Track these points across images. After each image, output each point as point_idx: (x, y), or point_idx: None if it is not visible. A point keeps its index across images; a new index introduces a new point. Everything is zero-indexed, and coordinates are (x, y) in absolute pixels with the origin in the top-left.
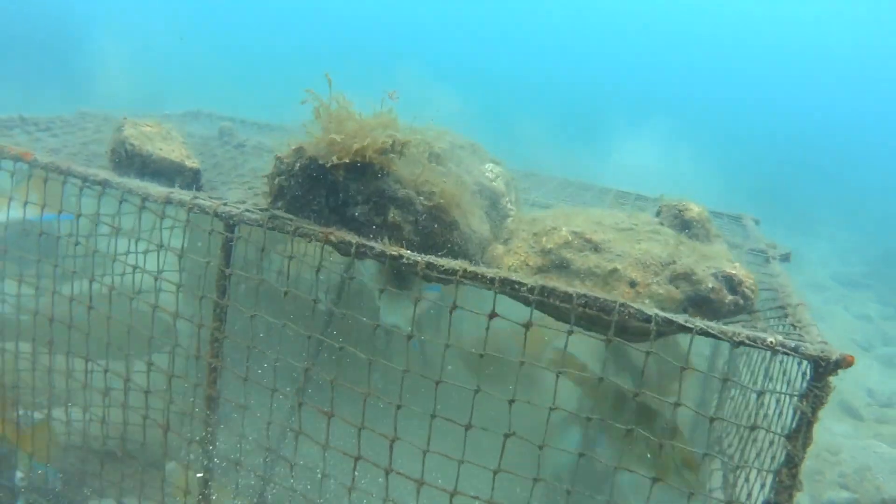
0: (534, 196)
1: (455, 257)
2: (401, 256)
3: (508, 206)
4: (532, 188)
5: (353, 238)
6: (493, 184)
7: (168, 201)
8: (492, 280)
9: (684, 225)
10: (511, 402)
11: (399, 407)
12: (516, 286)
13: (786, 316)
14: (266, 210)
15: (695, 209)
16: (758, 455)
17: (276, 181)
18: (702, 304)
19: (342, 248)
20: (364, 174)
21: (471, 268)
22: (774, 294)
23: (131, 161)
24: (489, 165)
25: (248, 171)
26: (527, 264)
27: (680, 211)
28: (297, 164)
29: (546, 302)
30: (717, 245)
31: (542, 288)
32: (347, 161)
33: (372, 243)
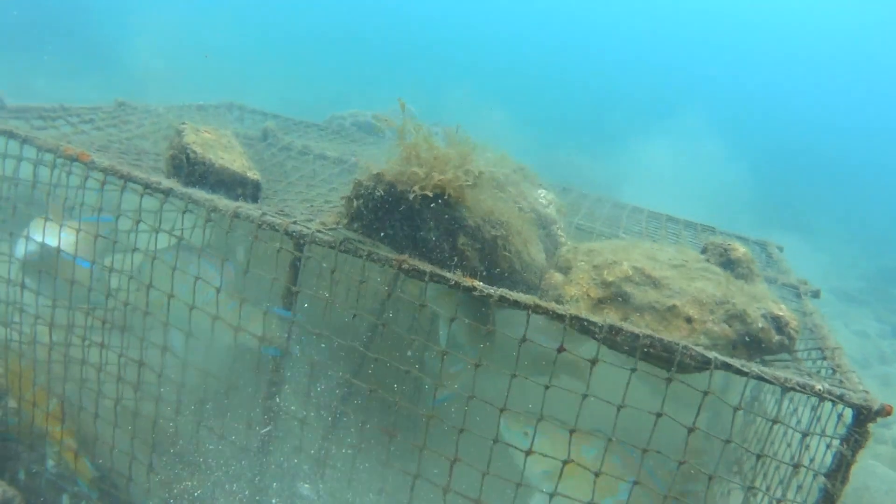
0: (576, 220)
1: (515, 284)
2: (474, 288)
3: (559, 233)
4: (568, 208)
5: (426, 266)
6: (547, 210)
7: (235, 215)
8: (562, 316)
9: (729, 264)
10: (572, 432)
11: (461, 430)
12: (586, 324)
13: (823, 358)
14: (333, 228)
15: (740, 250)
16: (782, 482)
17: (355, 204)
18: (751, 342)
19: (414, 273)
20: (438, 202)
21: (543, 303)
22: (810, 333)
23: (192, 169)
24: (542, 192)
25: (300, 178)
26: (588, 295)
27: (726, 250)
28: (377, 190)
29: (609, 338)
30: (760, 285)
31: (611, 327)
32: (429, 194)
33: (446, 273)
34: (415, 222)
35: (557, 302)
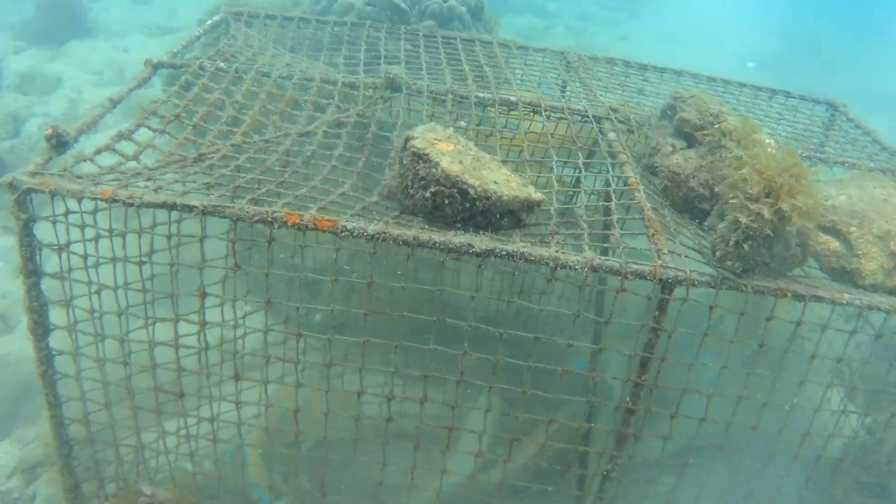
0: None
1: (799, 263)
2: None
3: None
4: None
5: (804, 290)
6: None
7: (592, 269)
8: None
9: None
10: None
11: None
12: None
13: None
14: (668, 263)
15: None
16: None
17: (746, 247)
18: None
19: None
20: None
21: None
22: None
23: (468, 205)
24: (767, 139)
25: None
26: (882, 267)
27: None
28: (764, 229)
29: None
30: None
31: None
32: (809, 224)
33: (821, 293)
34: (772, 243)
35: (851, 273)
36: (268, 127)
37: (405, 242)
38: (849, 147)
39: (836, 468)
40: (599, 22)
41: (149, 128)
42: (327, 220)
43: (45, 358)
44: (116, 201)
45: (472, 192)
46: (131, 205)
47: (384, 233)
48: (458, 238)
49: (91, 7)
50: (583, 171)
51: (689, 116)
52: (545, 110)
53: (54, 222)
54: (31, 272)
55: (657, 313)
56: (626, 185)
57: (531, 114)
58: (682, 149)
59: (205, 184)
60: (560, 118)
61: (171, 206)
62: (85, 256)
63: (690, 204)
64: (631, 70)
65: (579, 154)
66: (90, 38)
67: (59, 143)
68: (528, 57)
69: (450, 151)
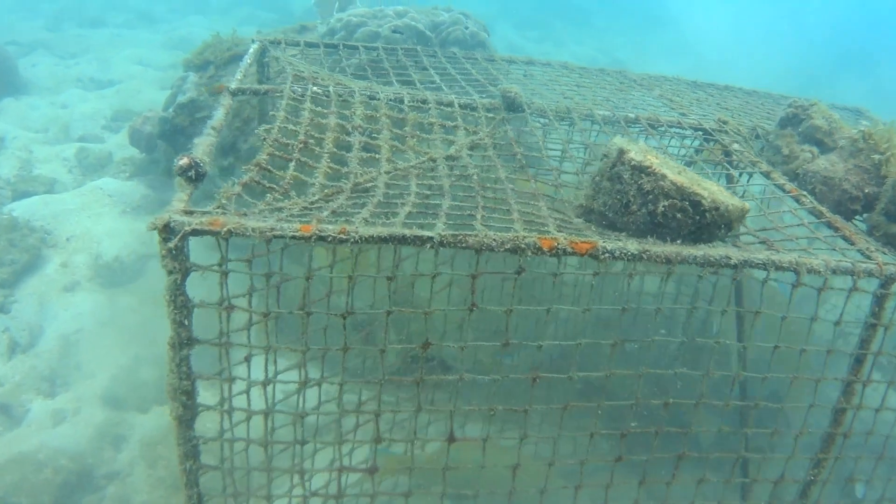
0: None
1: None
2: None
3: None
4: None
5: None
6: None
7: (833, 271)
8: None
9: None
10: None
11: None
12: None
13: None
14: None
15: None
16: None
17: None
18: None
19: None
20: None
21: None
22: None
23: (699, 219)
24: None
25: None
26: None
27: None
28: None
29: None
30: None
31: None
32: None
33: None
34: None
35: None
36: (406, 151)
37: (668, 259)
38: None
39: None
40: (531, 53)
41: (282, 157)
42: (585, 243)
43: (192, 450)
44: (322, 238)
45: (704, 203)
46: (345, 241)
47: (647, 251)
48: (715, 251)
49: (16, 64)
50: (739, 180)
51: (820, 123)
52: (665, 126)
53: (226, 273)
54: (185, 341)
55: (876, 309)
56: (784, 191)
57: (649, 128)
58: (818, 155)
59: (411, 213)
60: (677, 133)
61: (401, 240)
62: (266, 314)
63: (843, 206)
64: (685, 86)
65: (726, 165)
66: (24, 96)
67: (197, 174)
68: (591, 76)
69: (656, 161)
